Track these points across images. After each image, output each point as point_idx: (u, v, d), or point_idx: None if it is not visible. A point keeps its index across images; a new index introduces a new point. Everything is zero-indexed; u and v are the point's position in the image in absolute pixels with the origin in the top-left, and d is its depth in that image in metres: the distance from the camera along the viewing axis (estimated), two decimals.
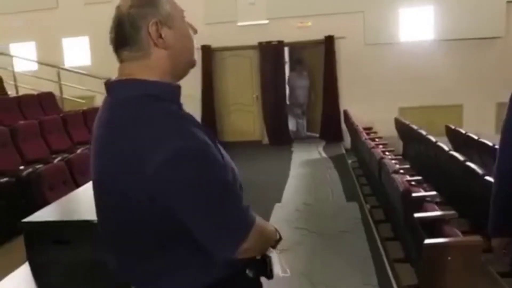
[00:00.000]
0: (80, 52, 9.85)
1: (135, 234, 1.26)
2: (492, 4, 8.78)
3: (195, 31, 1.38)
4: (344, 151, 8.45)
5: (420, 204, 3.79)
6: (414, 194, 3.67)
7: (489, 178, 3.77)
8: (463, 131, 7.14)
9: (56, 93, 8.76)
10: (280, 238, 1.47)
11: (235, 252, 1.25)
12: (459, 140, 7.23)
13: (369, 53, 9.04)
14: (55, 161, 4.92)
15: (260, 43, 9.26)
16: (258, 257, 1.41)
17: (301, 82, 9.89)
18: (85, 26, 9.47)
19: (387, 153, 5.79)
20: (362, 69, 9.07)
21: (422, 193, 3.98)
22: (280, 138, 9.07)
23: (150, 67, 1.30)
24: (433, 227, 3.41)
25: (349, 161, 7.76)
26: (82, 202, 3.08)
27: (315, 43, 9.38)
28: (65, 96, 9.02)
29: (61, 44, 9.91)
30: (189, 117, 1.27)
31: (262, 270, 1.42)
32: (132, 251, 1.29)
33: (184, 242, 1.25)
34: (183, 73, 1.38)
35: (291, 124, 9.98)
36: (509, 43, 8.86)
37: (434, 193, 4.14)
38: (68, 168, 4.38)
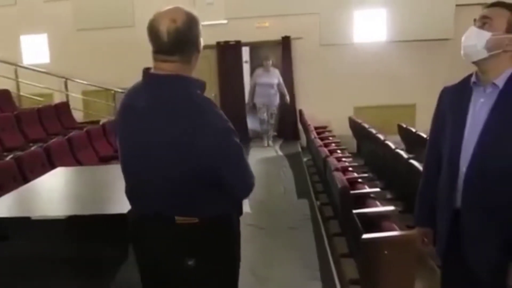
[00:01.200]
0: (39, 50, 9.59)
1: (190, 183, 1.79)
2: (442, 7, 9.00)
3: None
4: (300, 150, 8.54)
5: (362, 200, 3.86)
6: (353, 191, 3.74)
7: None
8: (414, 130, 7.30)
9: (14, 90, 8.56)
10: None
11: (249, 195, 1.94)
12: (410, 138, 7.39)
13: (324, 54, 9.13)
14: (7, 158, 4.80)
15: (218, 43, 9.24)
16: None
17: (268, 79, 8.59)
18: (44, 23, 9.27)
19: (338, 151, 5.87)
20: (317, 69, 9.16)
21: (365, 190, 4.05)
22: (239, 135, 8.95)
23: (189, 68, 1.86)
24: (374, 223, 3.48)
25: (304, 159, 7.84)
26: (25, 199, 3.01)
27: (272, 43, 9.42)
28: (22, 93, 8.82)
29: (19, 41, 9.63)
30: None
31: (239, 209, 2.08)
32: (184, 193, 1.80)
33: (218, 187, 1.82)
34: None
35: (251, 123, 9.95)
36: (458, 45, 8.98)
37: (377, 189, 4.23)
38: (17, 166, 4.29)
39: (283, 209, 5.32)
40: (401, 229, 3.33)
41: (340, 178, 3.52)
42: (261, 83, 8.58)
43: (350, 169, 4.96)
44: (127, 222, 2.34)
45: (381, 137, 5.96)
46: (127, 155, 1.93)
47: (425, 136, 6.60)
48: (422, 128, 7.47)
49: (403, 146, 6.99)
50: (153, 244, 1.91)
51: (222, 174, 1.81)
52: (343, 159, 5.38)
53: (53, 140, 5.19)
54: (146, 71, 1.91)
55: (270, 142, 8.95)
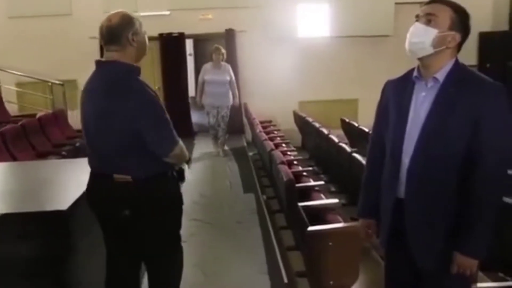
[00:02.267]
0: None
1: (123, 147, 2.30)
2: (382, 4, 9.25)
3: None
4: (245, 144, 8.55)
5: (307, 193, 3.94)
6: (299, 184, 3.81)
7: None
8: (356, 124, 7.49)
9: None
10: (190, 159, 3.72)
11: (168, 155, 2.36)
12: (353, 132, 7.59)
13: (268, 48, 9.15)
14: None
15: (161, 35, 9.09)
16: (177, 168, 2.50)
17: (217, 76, 7.36)
18: None
19: (283, 145, 5.95)
20: (262, 63, 9.19)
21: (310, 183, 4.14)
22: (182, 131, 8.81)
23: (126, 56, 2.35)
24: (319, 215, 3.56)
25: (250, 154, 7.87)
26: None
27: (216, 36, 9.37)
28: None
29: None
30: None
31: (180, 176, 2.54)
32: (120, 155, 2.32)
33: (145, 149, 2.29)
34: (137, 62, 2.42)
35: (195, 117, 9.87)
36: (398, 42, 9.32)
37: (322, 182, 4.33)
38: None
39: (229, 203, 5.32)
40: (345, 221, 3.43)
41: (285, 172, 3.56)
42: (210, 81, 7.29)
43: (295, 162, 5.05)
44: (67, 219, 2.29)
45: (325, 131, 6.09)
46: (84, 129, 2.43)
47: (367, 130, 6.80)
48: (365, 122, 7.68)
49: (346, 140, 7.15)
50: (99, 197, 2.41)
51: (144, 136, 2.27)
52: (288, 153, 5.47)
53: None
54: (97, 59, 2.42)
55: (221, 153, 7.63)
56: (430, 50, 1.92)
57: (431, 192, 1.92)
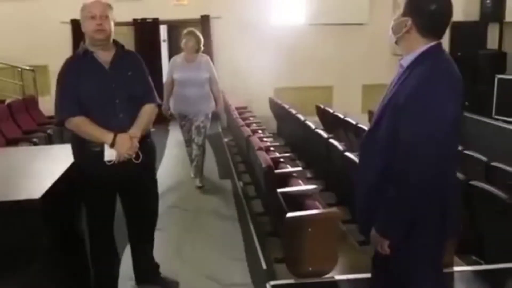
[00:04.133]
0: None
1: None
2: None
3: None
4: (220, 130, 8.47)
5: (285, 179, 3.91)
6: (277, 171, 3.77)
7: (349, 154, 3.99)
8: (331, 111, 7.50)
9: None
10: (113, 144, 2.66)
11: (58, 122, 2.82)
12: (328, 119, 7.59)
13: (244, 34, 9.04)
14: None
15: (135, 20, 8.90)
16: (98, 143, 2.70)
17: (191, 73, 5.16)
18: None
19: (259, 131, 5.89)
20: (237, 49, 9.09)
21: (288, 169, 4.10)
22: (156, 117, 8.68)
23: None
24: (297, 202, 3.53)
25: (225, 140, 7.80)
26: None
27: (191, 22, 9.19)
28: None
29: None
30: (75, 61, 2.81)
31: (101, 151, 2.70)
32: None
33: None
34: (92, 44, 2.77)
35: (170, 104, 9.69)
36: (372, 30, 9.42)
37: (299, 169, 4.29)
38: None
39: (206, 190, 5.25)
40: (323, 207, 3.42)
41: (264, 158, 3.52)
42: (181, 80, 5.13)
43: (272, 149, 5.00)
44: (39, 208, 2.17)
45: (301, 117, 6.06)
46: None
47: (342, 116, 6.82)
48: (339, 109, 7.71)
49: (321, 126, 7.15)
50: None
51: None
52: (265, 139, 5.41)
53: None
54: None
55: (198, 181, 5.33)
56: (393, 38, 1.95)
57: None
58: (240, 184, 5.44)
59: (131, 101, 2.79)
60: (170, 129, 8.56)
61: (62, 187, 2.50)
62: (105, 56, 2.77)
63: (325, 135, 4.88)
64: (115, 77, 2.76)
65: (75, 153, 2.80)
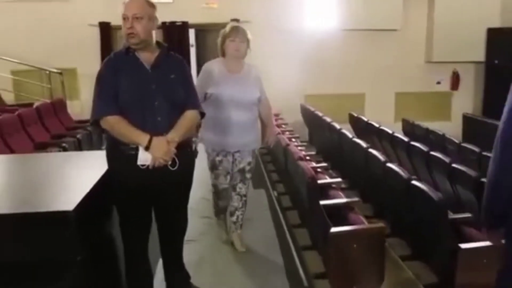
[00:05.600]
0: None
1: None
2: None
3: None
4: None
5: (326, 191, 3.80)
6: (319, 181, 3.67)
7: (391, 165, 3.87)
8: (365, 119, 7.38)
9: None
10: (148, 147, 2.55)
11: (93, 122, 2.67)
12: (361, 127, 7.47)
13: (275, 39, 8.91)
14: None
15: (164, 23, 8.90)
16: (133, 146, 2.59)
17: (239, 90, 3.65)
18: None
19: (293, 139, 5.80)
20: (268, 55, 8.96)
21: (328, 180, 4.00)
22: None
23: None
24: (339, 214, 3.43)
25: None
26: None
27: (221, 26, 9.14)
28: None
29: None
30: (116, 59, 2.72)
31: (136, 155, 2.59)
32: None
33: None
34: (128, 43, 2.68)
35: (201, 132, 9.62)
36: (405, 36, 9.29)
37: (339, 179, 4.19)
38: None
39: None
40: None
41: (306, 168, 3.42)
42: (221, 99, 3.62)
43: (308, 158, 4.92)
44: (72, 221, 2.08)
45: (337, 126, 5.95)
46: None
47: (376, 125, 6.69)
48: (371, 117, 7.57)
49: (354, 134, 7.03)
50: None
51: None
52: (299, 148, 5.32)
53: None
54: None
55: (238, 244, 3.93)
56: None
57: None
58: (274, 194, 5.34)
59: (172, 105, 2.68)
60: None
61: (97, 195, 2.42)
62: (147, 57, 2.70)
63: (363, 144, 4.76)
64: (156, 78, 2.67)
65: (109, 155, 2.73)
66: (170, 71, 2.74)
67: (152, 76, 2.67)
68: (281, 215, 4.70)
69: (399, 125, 8.28)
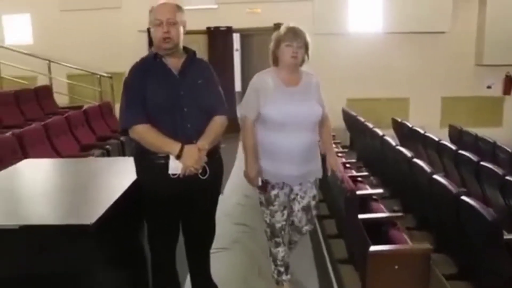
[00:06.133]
0: (22, 30, 8.94)
1: None
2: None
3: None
4: None
5: (366, 202, 3.43)
6: (359, 192, 3.30)
7: (438, 177, 3.44)
8: (409, 125, 6.91)
9: None
10: (179, 156, 2.34)
11: (122, 131, 2.49)
12: (404, 133, 7.00)
13: (317, 43, 8.43)
14: None
15: (208, 28, 8.70)
16: (163, 154, 2.37)
17: (298, 106, 2.78)
18: (27, 2, 8.65)
19: (334, 145, 5.42)
20: (311, 59, 8.61)
21: (368, 191, 3.62)
22: (226, 127, 8.43)
23: None
24: (379, 229, 3.06)
25: None
26: None
27: (264, 31, 8.88)
28: (4, 75, 8.17)
29: (1, 21, 8.98)
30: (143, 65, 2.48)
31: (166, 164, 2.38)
32: None
33: None
34: (158, 51, 2.46)
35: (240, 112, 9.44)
36: (454, 39, 8.71)
37: (380, 190, 3.80)
38: None
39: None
40: (408, 237, 2.93)
41: (346, 180, 3.05)
42: (279, 120, 2.75)
43: (348, 165, 4.54)
44: (92, 234, 1.90)
45: (380, 132, 5.51)
46: None
47: (422, 131, 6.21)
48: (415, 122, 7.09)
49: (396, 140, 6.59)
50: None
51: None
52: (339, 154, 4.95)
53: (28, 126, 4.61)
54: None
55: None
56: None
57: None
58: None
59: (200, 112, 2.47)
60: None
61: (122, 206, 2.22)
62: (174, 62, 2.47)
63: (408, 153, 4.33)
64: (184, 84, 2.45)
65: (137, 165, 2.51)
66: (198, 76, 2.52)
67: (179, 82, 2.45)
68: (317, 224, 4.33)
69: (445, 131, 7.74)
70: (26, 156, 3.98)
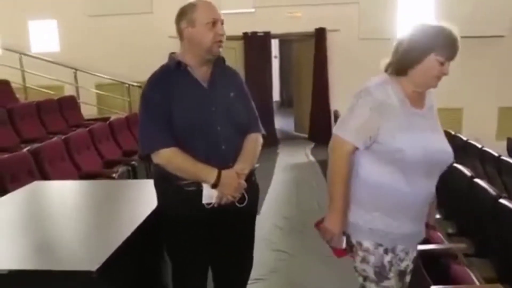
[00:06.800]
0: (48, 37, 9.00)
1: None
2: (497, 0, 8.16)
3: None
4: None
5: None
6: None
7: (504, 201, 3.10)
8: (464, 138, 6.54)
9: (19, 81, 7.99)
10: (216, 185, 2.07)
11: (144, 156, 2.16)
12: (458, 146, 6.62)
13: (363, 49, 8.37)
14: None
15: (245, 34, 8.53)
16: (195, 181, 2.11)
17: (433, 139, 1.97)
18: (53, 7, 8.71)
19: None
20: (355, 66, 8.37)
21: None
22: (265, 138, 8.20)
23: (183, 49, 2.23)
24: (437, 263, 2.75)
25: None
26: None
27: (305, 36, 8.66)
28: (29, 85, 8.21)
29: (27, 27, 9.05)
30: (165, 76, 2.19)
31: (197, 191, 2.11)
32: None
33: None
34: (199, 58, 2.18)
35: (280, 122, 9.28)
36: None
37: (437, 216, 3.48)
38: None
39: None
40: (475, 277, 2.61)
41: None
42: (417, 161, 1.88)
43: None
44: (94, 282, 1.66)
45: None
46: None
47: (479, 146, 5.83)
48: (469, 135, 6.71)
49: None
50: None
51: None
52: None
53: (48, 141, 4.47)
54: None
55: None
56: None
57: None
58: None
59: (235, 130, 2.22)
60: (279, 152, 8.02)
61: (138, 242, 1.99)
62: (202, 72, 2.20)
63: (467, 172, 3.99)
64: (216, 98, 2.18)
65: (159, 192, 2.24)
66: (229, 88, 2.25)
67: (210, 96, 2.18)
68: None
69: (502, 144, 7.30)
70: (43, 174, 3.84)
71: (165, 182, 2.17)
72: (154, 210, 2.23)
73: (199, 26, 2.11)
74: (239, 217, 2.26)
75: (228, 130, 2.17)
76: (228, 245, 2.32)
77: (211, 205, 2.10)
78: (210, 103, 2.16)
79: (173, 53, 2.26)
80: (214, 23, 2.11)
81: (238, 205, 2.15)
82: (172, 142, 2.08)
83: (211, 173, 2.08)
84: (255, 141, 2.28)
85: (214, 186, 2.08)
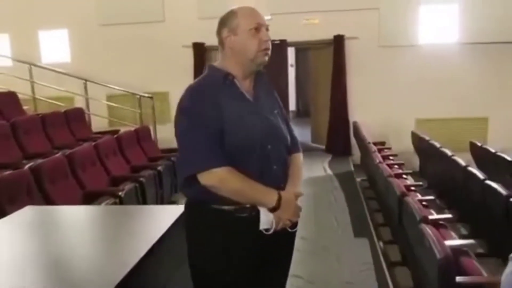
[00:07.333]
0: (59, 47, 8.87)
1: None
2: None
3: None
4: (352, 168, 7.52)
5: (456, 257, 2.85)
6: (449, 243, 2.72)
7: None
8: (493, 150, 6.22)
9: (28, 93, 7.87)
10: (276, 208, 1.91)
11: (181, 179, 1.97)
12: (484, 159, 6.32)
13: (384, 57, 8.11)
14: None
15: None
16: (248, 205, 1.93)
17: None
18: (64, 17, 8.60)
19: (404, 176, 4.85)
20: (375, 74, 8.14)
21: (459, 241, 3.02)
22: None
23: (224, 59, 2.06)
24: None
25: (358, 179, 6.84)
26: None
27: (322, 44, 8.42)
28: (38, 97, 8.08)
29: (38, 37, 8.96)
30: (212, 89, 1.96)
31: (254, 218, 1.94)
32: None
33: None
34: (244, 69, 2.02)
35: (296, 132, 9.00)
36: None
37: (471, 241, 3.19)
38: None
39: (337, 252, 4.28)
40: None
41: (439, 242, 2.50)
42: None
43: (424, 203, 3.96)
44: None
45: (462, 162, 4.89)
46: None
47: (509, 159, 5.52)
48: (495, 146, 6.40)
49: (474, 165, 5.94)
50: None
51: None
52: (412, 188, 4.36)
53: (49, 158, 4.26)
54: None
55: None
56: None
57: None
58: (380, 245, 4.40)
59: (283, 149, 2.09)
60: None
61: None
62: (245, 85, 2.04)
63: (503, 192, 3.71)
64: (264, 114, 2.03)
65: (198, 221, 2.00)
66: (273, 104, 2.12)
67: (258, 111, 2.02)
68: (388, 276, 3.76)
69: None
70: (44, 194, 3.66)
71: (205, 208, 1.95)
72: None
73: (242, 33, 1.97)
74: (287, 245, 2.12)
75: (277, 149, 2.04)
76: (275, 270, 2.13)
77: (269, 232, 1.92)
78: (260, 119, 2.00)
79: (211, 64, 2.11)
80: (257, 28, 1.98)
81: (289, 230, 1.99)
82: (225, 161, 1.89)
83: (271, 196, 1.93)
84: (299, 160, 2.17)
85: (273, 210, 1.92)
